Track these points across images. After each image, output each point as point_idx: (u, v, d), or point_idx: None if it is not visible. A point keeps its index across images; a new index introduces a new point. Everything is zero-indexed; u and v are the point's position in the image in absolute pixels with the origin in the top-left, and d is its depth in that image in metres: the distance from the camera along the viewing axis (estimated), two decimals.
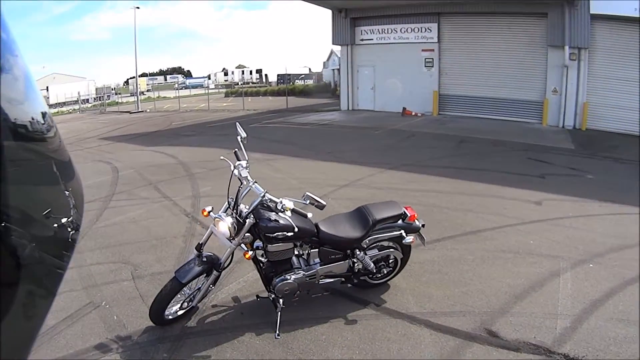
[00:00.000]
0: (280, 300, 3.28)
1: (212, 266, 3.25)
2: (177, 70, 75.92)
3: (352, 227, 3.51)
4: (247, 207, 3.21)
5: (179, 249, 5.01)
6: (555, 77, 15.19)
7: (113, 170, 9.22)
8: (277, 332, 3.21)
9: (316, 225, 3.41)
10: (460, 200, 6.75)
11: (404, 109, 18.48)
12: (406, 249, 3.86)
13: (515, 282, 4.27)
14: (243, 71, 58.61)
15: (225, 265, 3.33)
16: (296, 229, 3.17)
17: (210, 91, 39.12)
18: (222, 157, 3.42)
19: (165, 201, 6.85)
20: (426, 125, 15.61)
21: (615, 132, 13.92)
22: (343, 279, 3.69)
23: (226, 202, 3.26)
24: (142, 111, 27.44)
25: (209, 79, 57.01)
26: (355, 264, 3.61)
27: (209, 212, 3.23)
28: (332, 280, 3.62)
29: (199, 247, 3.28)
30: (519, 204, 6.66)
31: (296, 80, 42.75)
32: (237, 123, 3.48)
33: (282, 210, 3.04)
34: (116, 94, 42.04)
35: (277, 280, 3.29)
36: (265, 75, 55.47)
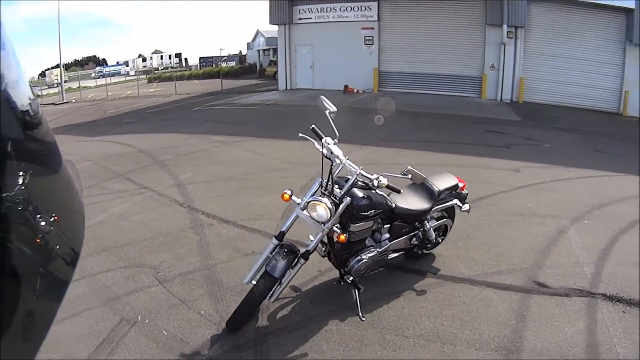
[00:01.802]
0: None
1: (296, 255, 3.12)
2: (92, 60, 71.33)
3: (421, 200, 3.78)
4: (337, 187, 3.20)
5: (195, 243, 4.79)
6: (493, 53, 16.77)
7: (67, 164, 8.55)
8: (361, 314, 3.26)
9: None
10: (449, 172, 7.39)
11: (346, 86, 19.12)
12: (453, 218, 4.31)
13: (534, 240, 4.96)
14: (162, 56, 56.98)
15: (312, 251, 3.20)
16: (393, 205, 3.43)
17: (130, 78, 39.07)
18: (301, 134, 3.38)
19: (147, 192, 6.60)
20: (372, 102, 16.35)
21: (549, 104, 15.81)
22: (404, 252, 3.98)
23: (316, 183, 3.20)
24: (68, 102, 25.51)
25: (127, 66, 55.52)
26: (421, 236, 3.92)
27: (290, 196, 3.14)
28: (398, 254, 3.86)
29: (281, 237, 3.14)
30: (502, 172, 7.49)
31: (219, 63, 42.67)
32: (322, 97, 3.42)
33: (377, 186, 3.12)
34: (33, 87, 38.15)
35: (353, 261, 3.30)
36: (185, 59, 54.22)
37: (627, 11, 14.63)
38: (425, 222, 3.87)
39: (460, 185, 4.16)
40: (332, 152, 3.16)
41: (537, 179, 7.23)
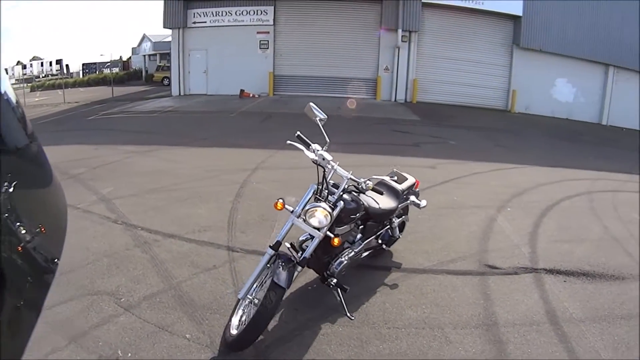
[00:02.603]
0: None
1: (294, 263, 3.09)
2: None
3: (389, 199, 3.96)
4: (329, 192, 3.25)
5: (147, 262, 4.38)
6: (388, 56, 18.07)
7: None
8: (348, 313, 3.35)
9: None
10: (372, 172, 7.77)
11: (242, 91, 19.19)
12: (408, 214, 4.63)
13: (471, 229, 5.52)
14: (42, 63, 52.04)
15: (308, 258, 3.20)
16: (379, 207, 3.53)
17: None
18: (289, 142, 3.35)
19: (72, 210, 5.93)
20: (272, 105, 16.60)
21: (442, 104, 17.44)
22: (373, 250, 4.16)
23: (311, 190, 3.20)
24: None
25: (7, 73, 49.38)
26: (390, 233, 4.15)
27: (284, 204, 3.09)
28: (368, 252, 4.03)
29: (277, 246, 3.07)
30: (421, 170, 8.09)
31: (102, 69, 40.97)
32: (311, 104, 3.40)
33: (365, 189, 3.23)
34: None
35: (335, 263, 3.36)
36: (67, 65, 50.22)
37: (515, 18, 16.97)
38: (393, 220, 4.11)
39: (415, 183, 4.47)
40: (324, 159, 3.20)
41: (454, 174, 7.96)
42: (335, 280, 3.37)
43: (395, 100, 18.19)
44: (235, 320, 3.06)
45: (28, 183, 1.12)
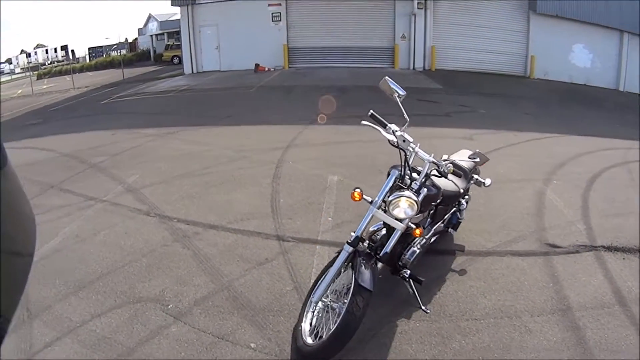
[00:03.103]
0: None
1: (374, 259, 2.94)
2: None
3: (460, 180, 3.89)
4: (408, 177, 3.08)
5: (191, 259, 4.15)
6: (404, 24, 17.78)
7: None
8: (423, 306, 3.27)
9: None
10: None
11: (257, 65, 18.99)
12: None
13: (524, 204, 5.53)
14: (47, 50, 52.90)
15: (390, 253, 3.03)
16: (462, 191, 3.49)
17: (17, 76, 37.25)
18: (364, 122, 3.14)
19: (97, 204, 5.93)
20: (290, 78, 16.39)
21: (461, 71, 17.19)
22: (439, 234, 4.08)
23: (392, 177, 3.02)
24: None
25: (10, 63, 51.93)
26: (459, 216, 4.11)
27: (362, 195, 2.93)
28: (436, 237, 3.93)
29: (357, 242, 2.85)
30: (459, 141, 8.05)
31: (109, 52, 41.26)
32: (387, 78, 3.21)
33: (446, 172, 3.06)
34: None
35: (408, 253, 3.24)
36: (72, 51, 50.98)
37: None
38: (462, 201, 4.08)
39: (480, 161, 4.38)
40: (404, 140, 2.99)
41: (492, 145, 7.91)
42: (408, 272, 3.22)
43: (413, 68, 17.95)
44: (306, 327, 2.83)
45: None
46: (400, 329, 3.23)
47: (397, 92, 3.17)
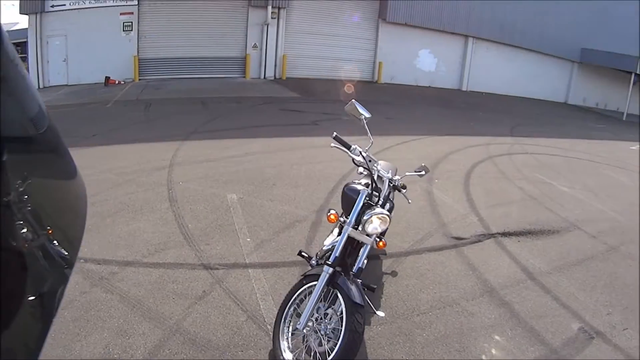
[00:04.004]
0: None
1: (352, 277, 3.05)
2: None
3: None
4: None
5: (118, 303, 3.68)
6: (256, 33, 18.22)
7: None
8: (377, 311, 3.36)
9: None
10: (285, 157, 7.93)
11: (107, 78, 17.70)
12: None
13: (419, 204, 6.20)
14: None
15: (363, 268, 3.21)
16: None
17: None
18: (333, 145, 3.26)
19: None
20: (145, 92, 15.54)
21: (312, 78, 18.18)
22: None
23: (362, 195, 3.14)
24: None
25: None
26: None
27: (338, 215, 3.13)
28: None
29: (337, 263, 2.99)
30: (334, 150, 8.51)
31: None
32: (354, 101, 3.35)
33: (400, 187, 3.46)
34: None
35: (359, 264, 3.31)
36: None
37: None
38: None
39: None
40: (370, 161, 3.22)
41: (372, 148, 8.55)
42: (360, 281, 3.29)
43: (264, 77, 18.42)
44: (289, 356, 2.86)
45: (48, 175, 1.15)
46: (368, 336, 3.40)
47: (364, 115, 3.39)
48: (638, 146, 15.06)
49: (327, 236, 3.80)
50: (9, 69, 0.87)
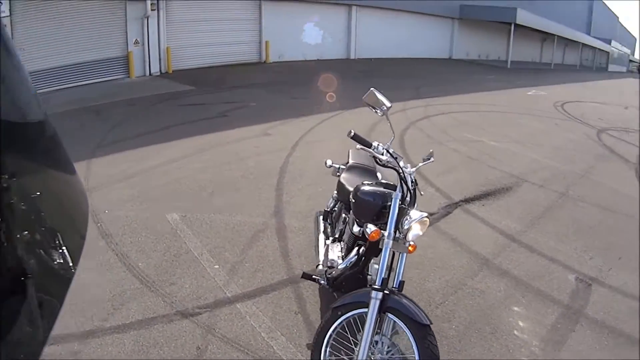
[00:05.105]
0: None
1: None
2: None
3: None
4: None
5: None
6: (136, 29, 16.96)
7: None
8: None
9: None
10: (208, 157, 7.22)
11: None
12: None
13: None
14: None
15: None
16: None
17: None
18: (359, 148, 2.84)
19: None
20: None
21: (200, 68, 17.47)
22: None
23: (396, 200, 2.76)
24: None
25: None
26: None
27: (379, 231, 2.71)
28: None
29: (385, 285, 2.67)
30: (257, 139, 8.17)
31: None
32: (373, 89, 2.89)
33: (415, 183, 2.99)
34: None
35: (371, 270, 3.08)
36: None
37: None
38: None
39: None
40: (395, 158, 2.81)
41: (294, 134, 8.41)
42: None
43: (150, 74, 17.32)
44: None
45: (51, 167, 1.16)
46: None
47: (385, 105, 2.89)
48: (534, 91, 16.49)
49: (323, 247, 3.52)
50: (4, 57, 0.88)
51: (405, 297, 2.61)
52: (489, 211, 5.37)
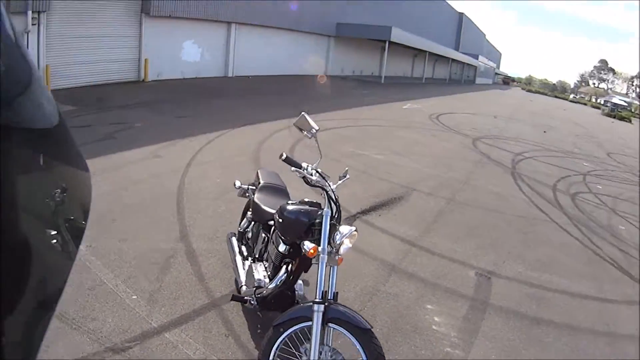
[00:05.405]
0: None
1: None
2: None
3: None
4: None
5: None
6: None
7: None
8: None
9: None
10: (106, 183, 6.69)
11: None
12: None
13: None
14: None
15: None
16: None
17: None
18: (297, 173, 2.99)
19: None
20: None
21: (78, 87, 16.40)
22: None
23: (326, 218, 2.90)
24: None
25: None
26: None
27: (316, 248, 2.82)
28: None
29: (325, 297, 2.78)
30: (149, 161, 7.78)
31: None
32: (304, 113, 3.01)
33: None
34: None
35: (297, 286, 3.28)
36: None
37: None
38: None
39: None
40: (323, 178, 2.99)
41: (184, 156, 8.21)
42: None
43: None
44: None
45: (68, 163, 1.19)
46: None
47: (314, 128, 3.06)
48: (409, 105, 17.74)
49: (243, 268, 3.59)
50: (13, 52, 0.91)
51: (344, 306, 2.76)
52: (386, 220, 5.78)
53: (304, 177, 2.97)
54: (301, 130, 3.08)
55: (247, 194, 4.01)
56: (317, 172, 3.00)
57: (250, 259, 3.69)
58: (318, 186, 2.97)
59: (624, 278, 5.41)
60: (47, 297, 1.02)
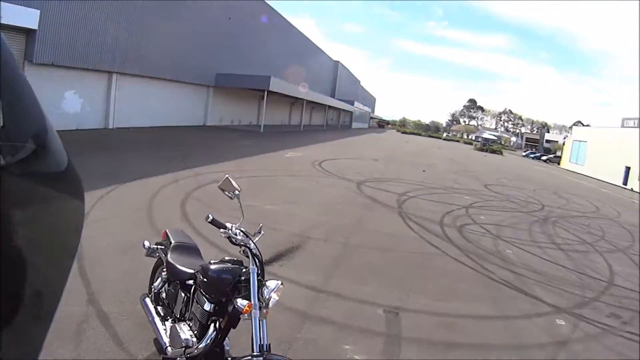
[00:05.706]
0: None
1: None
2: None
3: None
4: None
5: None
6: None
7: None
8: None
9: None
10: None
11: None
12: None
13: None
14: None
15: None
16: None
17: None
18: (222, 233, 3.08)
19: None
20: None
21: None
22: None
23: (253, 275, 3.00)
24: None
25: None
26: None
27: (250, 305, 2.92)
28: None
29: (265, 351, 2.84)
30: None
31: None
32: (228, 176, 3.14)
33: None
34: None
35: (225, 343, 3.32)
36: None
37: (29, 31, 16.17)
38: None
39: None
40: (247, 236, 3.13)
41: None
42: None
43: None
44: None
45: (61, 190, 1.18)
46: None
47: (237, 190, 3.21)
48: (291, 153, 18.17)
49: (164, 329, 3.52)
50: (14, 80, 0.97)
51: (280, 355, 2.88)
52: (289, 270, 5.88)
53: (228, 237, 3.07)
54: (224, 191, 3.22)
55: (157, 254, 3.96)
56: (242, 231, 3.13)
57: (169, 319, 3.62)
58: (242, 245, 3.08)
59: (519, 295, 6.10)
60: (44, 311, 1.02)
